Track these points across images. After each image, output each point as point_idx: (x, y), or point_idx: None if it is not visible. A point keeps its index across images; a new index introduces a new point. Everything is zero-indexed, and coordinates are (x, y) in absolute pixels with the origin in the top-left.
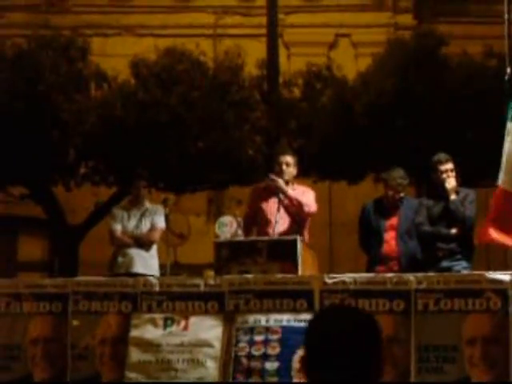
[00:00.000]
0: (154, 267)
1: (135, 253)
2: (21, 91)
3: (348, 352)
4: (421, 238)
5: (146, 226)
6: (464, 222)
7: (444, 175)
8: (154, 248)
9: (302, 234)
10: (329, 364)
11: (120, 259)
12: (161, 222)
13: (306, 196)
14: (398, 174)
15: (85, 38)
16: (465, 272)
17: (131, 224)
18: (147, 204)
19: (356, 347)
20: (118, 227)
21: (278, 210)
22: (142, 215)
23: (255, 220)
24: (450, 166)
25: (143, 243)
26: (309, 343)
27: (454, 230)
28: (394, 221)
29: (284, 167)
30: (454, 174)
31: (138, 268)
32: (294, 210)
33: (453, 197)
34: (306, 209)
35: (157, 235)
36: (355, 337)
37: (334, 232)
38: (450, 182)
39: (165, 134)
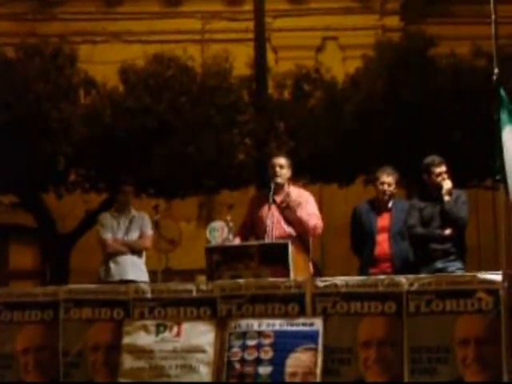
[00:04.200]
0: (145, 274)
1: (128, 260)
2: (9, 100)
3: None
4: (413, 240)
5: (135, 233)
6: (458, 223)
7: (439, 178)
8: (143, 255)
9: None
10: None
11: (113, 267)
12: (149, 229)
13: (309, 205)
14: (387, 169)
15: (73, 45)
16: (457, 273)
17: (121, 231)
18: (133, 211)
19: None
20: (108, 235)
21: (272, 215)
22: (130, 222)
23: (252, 230)
24: (443, 168)
25: (136, 250)
26: None
27: (447, 231)
28: (385, 222)
29: (277, 169)
30: (447, 175)
31: (131, 275)
32: (291, 217)
33: (447, 198)
34: (318, 230)
35: (148, 242)
36: None
37: (325, 235)
38: (448, 183)
39: (154, 139)
